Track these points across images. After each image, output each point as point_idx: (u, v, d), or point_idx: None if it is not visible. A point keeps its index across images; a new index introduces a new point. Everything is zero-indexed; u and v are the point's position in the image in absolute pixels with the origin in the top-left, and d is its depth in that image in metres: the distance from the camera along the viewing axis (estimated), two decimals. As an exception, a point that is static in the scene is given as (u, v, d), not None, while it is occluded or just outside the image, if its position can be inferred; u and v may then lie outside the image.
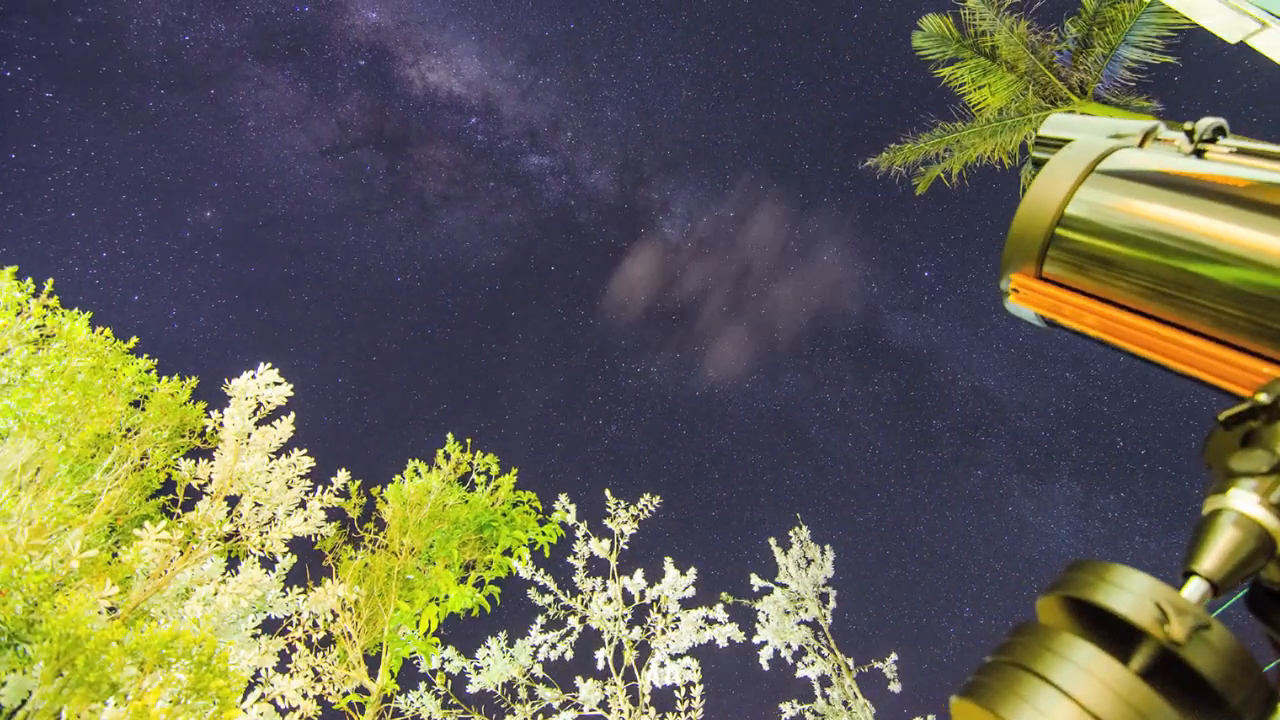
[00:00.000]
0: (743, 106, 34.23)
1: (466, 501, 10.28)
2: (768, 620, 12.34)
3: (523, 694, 11.42)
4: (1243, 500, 0.40)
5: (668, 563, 12.00)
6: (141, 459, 8.10)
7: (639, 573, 12.01)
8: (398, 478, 10.33)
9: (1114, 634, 0.35)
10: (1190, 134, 0.61)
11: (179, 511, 7.98)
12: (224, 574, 8.26)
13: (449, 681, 11.17)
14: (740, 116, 34.23)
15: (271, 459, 8.34)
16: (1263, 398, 0.42)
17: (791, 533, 13.05)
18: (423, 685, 11.11)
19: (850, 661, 11.95)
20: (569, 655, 11.70)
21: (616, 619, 11.75)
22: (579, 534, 12.07)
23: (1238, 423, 0.43)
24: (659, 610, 11.86)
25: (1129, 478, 30.10)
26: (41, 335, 7.89)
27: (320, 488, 8.64)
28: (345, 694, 8.79)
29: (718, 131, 34.74)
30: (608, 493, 12.19)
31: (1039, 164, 0.67)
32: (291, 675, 8.43)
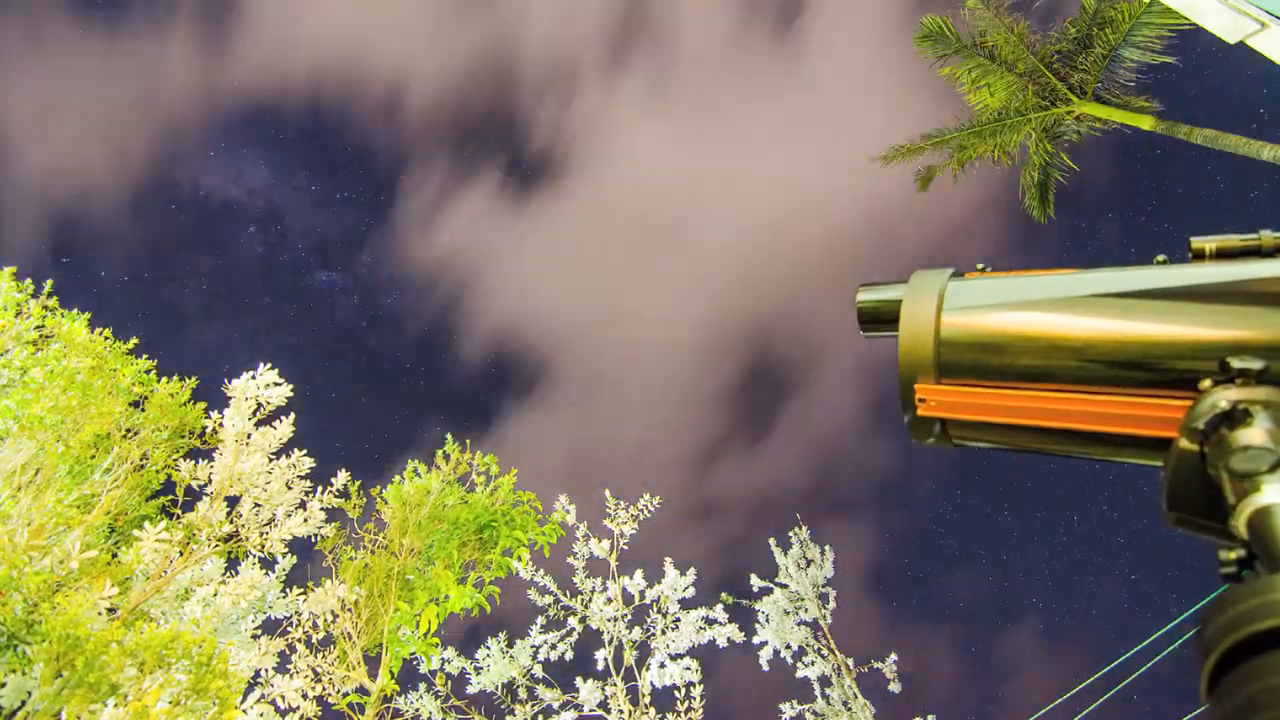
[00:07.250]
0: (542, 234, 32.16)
1: (466, 502, 10.26)
2: (768, 620, 12.34)
3: (523, 694, 11.42)
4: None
5: (668, 563, 12.00)
6: (141, 459, 8.08)
7: (639, 573, 12.01)
8: (397, 478, 10.32)
9: None
10: (983, 270, 0.70)
11: (179, 512, 7.97)
12: (224, 575, 8.25)
13: (449, 682, 11.16)
14: (540, 244, 32.13)
15: (271, 459, 8.34)
16: (1224, 404, 0.46)
17: (791, 533, 13.05)
18: (423, 686, 11.11)
19: (850, 661, 11.95)
20: (569, 655, 11.69)
21: (616, 619, 11.74)
22: (579, 534, 12.06)
23: (1214, 428, 0.46)
24: (659, 610, 11.85)
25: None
26: (40, 336, 7.88)
27: (320, 488, 8.64)
28: (345, 694, 8.78)
29: (521, 255, 32.94)
30: (608, 493, 12.20)
31: (866, 325, 0.71)
32: (291, 676, 8.42)
